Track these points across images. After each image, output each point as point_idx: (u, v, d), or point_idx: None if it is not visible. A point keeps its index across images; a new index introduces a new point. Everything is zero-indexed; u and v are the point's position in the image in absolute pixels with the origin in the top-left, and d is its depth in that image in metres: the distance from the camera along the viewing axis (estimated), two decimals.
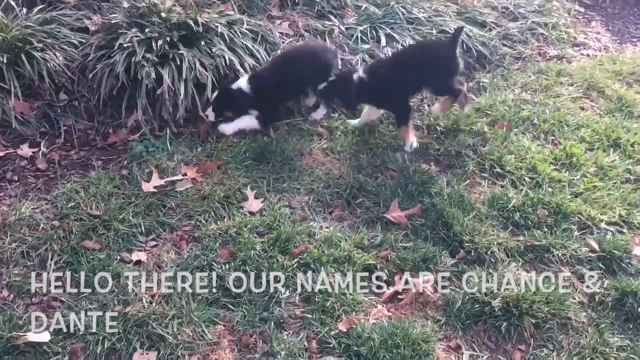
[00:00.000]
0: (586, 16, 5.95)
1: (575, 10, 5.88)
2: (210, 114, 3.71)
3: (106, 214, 3.09)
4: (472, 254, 3.04)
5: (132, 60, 3.64)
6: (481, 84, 4.49)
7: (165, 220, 3.13)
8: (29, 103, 3.69)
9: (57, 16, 3.94)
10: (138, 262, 2.90)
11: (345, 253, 2.96)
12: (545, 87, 4.50)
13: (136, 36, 3.74)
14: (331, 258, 2.93)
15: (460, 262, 3.00)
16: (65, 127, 3.70)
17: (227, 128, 3.74)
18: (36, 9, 3.89)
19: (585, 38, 5.49)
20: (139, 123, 3.72)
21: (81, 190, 3.24)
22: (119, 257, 2.91)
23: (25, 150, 3.52)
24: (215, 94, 3.70)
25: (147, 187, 3.27)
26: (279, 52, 4.11)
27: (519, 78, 4.59)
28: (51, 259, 2.87)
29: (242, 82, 3.70)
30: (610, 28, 5.79)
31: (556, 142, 3.89)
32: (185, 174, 3.40)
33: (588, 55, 5.21)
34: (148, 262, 2.90)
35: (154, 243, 3.03)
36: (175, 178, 3.35)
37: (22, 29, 3.71)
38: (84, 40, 3.84)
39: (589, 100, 4.40)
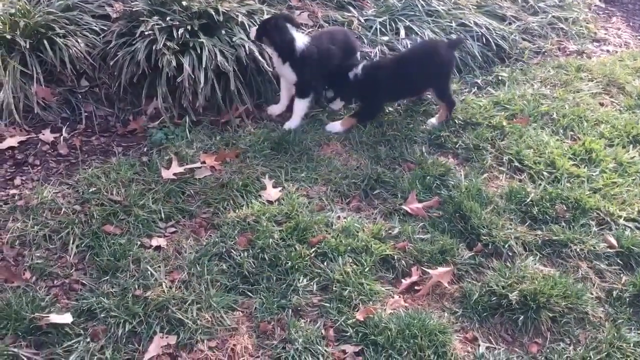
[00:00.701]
0: (607, 12, 5.90)
1: (595, 5, 5.84)
2: (253, 32, 3.72)
3: (126, 200, 3.12)
4: (490, 247, 3.04)
5: (153, 48, 3.66)
6: (500, 77, 4.46)
7: (185, 207, 3.15)
8: (50, 89, 3.73)
9: (79, 3, 3.97)
10: (158, 248, 2.93)
11: (363, 243, 2.97)
12: (565, 82, 4.47)
13: (157, 24, 3.76)
14: (349, 248, 2.94)
15: (478, 255, 3.00)
16: (86, 113, 3.74)
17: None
18: None
19: (605, 34, 5.44)
20: (158, 111, 3.74)
21: (102, 176, 3.27)
22: (139, 242, 2.93)
23: (47, 135, 3.56)
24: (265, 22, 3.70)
25: (167, 174, 3.29)
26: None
27: (538, 72, 4.58)
28: (73, 243, 2.90)
29: (300, 39, 3.70)
30: (631, 24, 5.73)
31: (575, 137, 3.86)
32: (204, 162, 3.42)
33: (608, 51, 5.17)
34: (168, 248, 2.94)
35: (173, 229, 3.05)
36: (194, 166, 3.38)
37: (45, 15, 3.75)
38: (105, 28, 3.86)
39: (609, 96, 4.37)
